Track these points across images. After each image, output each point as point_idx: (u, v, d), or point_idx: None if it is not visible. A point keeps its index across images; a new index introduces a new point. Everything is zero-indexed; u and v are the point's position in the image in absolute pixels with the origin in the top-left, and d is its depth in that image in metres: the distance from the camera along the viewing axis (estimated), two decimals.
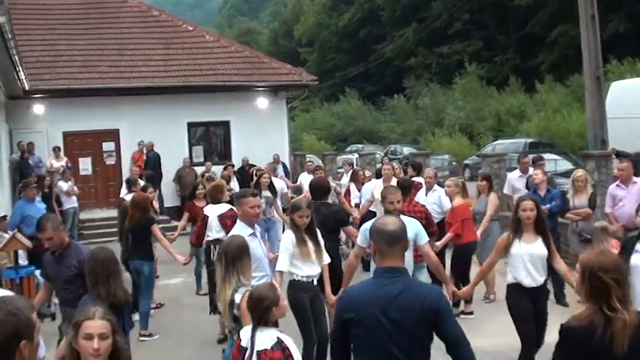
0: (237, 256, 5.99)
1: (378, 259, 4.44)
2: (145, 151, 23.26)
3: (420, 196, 12.13)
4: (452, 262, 10.97)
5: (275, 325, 5.17)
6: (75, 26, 26.12)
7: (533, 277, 7.44)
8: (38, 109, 23.07)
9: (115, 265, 5.99)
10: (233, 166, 21.11)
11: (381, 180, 13.31)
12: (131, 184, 15.09)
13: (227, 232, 9.15)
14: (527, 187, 13.02)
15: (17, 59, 15.29)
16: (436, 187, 12.23)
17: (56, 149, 21.93)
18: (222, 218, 10.16)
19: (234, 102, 24.75)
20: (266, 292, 5.14)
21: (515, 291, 7.54)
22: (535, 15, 45.07)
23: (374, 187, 13.20)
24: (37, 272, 10.11)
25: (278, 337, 4.98)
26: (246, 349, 5.00)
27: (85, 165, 23.92)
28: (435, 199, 11.94)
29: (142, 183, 15.40)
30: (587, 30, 17.05)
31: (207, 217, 10.43)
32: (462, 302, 10.79)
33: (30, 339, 3.11)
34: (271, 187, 13.63)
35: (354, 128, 53.23)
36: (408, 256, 7.79)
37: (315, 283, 7.76)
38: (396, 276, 4.34)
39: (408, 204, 9.99)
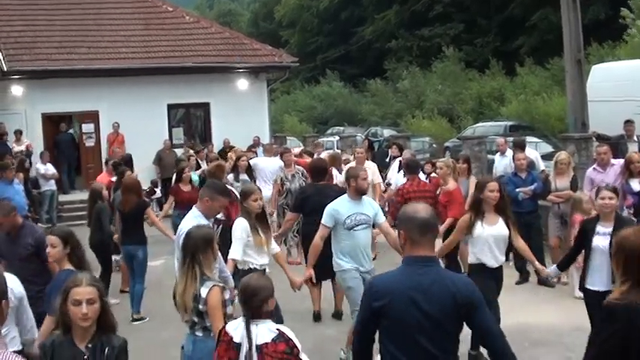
0: (200, 247, 5.71)
1: (409, 248, 4.31)
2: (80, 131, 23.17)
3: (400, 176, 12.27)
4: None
5: (269, 316, 4.89)
6: (53, 7, 25.88)
7: (496, 257, 7.58)
8: (17, 90, 22.85)
9: None
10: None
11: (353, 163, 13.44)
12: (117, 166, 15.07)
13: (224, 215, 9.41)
14: None
15: None
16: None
17: (17, 133, 21.42)
18: None
19: (215, 83, 24.63)
20: (262, 282, 4.92)
21: (480, 271, 7.59)
22: None
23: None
24: None
25: (278, 329, 4.77)
26: (239, 344, 4.78)
27: None
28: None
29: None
30: (569, 12, 17.05)
31: None
32: None
33: (5, 298, 3.94)
34: (249, 171, 13.64)
35: (335, 110, 53.14)
36: (368, 235, 8.00)
37: (269, 270, 7.64)
38: (427, 265, 4.24)
39: (412, 184, 10.28)
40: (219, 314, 5.43)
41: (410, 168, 11.14)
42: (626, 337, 3.93)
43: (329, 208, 7.99)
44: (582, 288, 7.31)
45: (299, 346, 4.74)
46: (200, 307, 5.55)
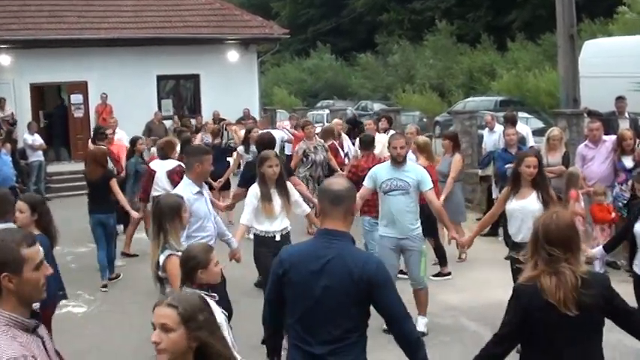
0: (167, 216, 5.78)
1: (322, 220, 4.35)
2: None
3: None
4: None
5: (201, 287, 4.89)
6: None
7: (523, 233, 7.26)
8: (4, 59, 22.67)
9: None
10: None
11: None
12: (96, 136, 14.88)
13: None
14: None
15: None
16: None
17: (1, 100, 21.31)
18: (170, 174, 10.45)
19: (205, 55, 24.51)
20: (195, 252, 5.01)
21: (513, 246, 7.48)
22: None
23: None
24: None
25: None
26: None
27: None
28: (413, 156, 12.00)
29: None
30: None
31: (154, 172, 10.81)
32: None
33: (15, 272, 2.98)
34: None
35: (325, 84, 52.92)
36: (405, 201, 8.01)
37: (279, 238, 7.71)
38: (333, 239, 4.20)
39: (367, 160, 10.24)
40: (178, 281, 5.45)
41: (364, 144, 11.04)
42: (528, 315, 4.09)
43: (371, 171, 8.36)
44: (632, 271, 7.04)
45: (219, 318, 4.74)
46: (159, 273, 5.72)
